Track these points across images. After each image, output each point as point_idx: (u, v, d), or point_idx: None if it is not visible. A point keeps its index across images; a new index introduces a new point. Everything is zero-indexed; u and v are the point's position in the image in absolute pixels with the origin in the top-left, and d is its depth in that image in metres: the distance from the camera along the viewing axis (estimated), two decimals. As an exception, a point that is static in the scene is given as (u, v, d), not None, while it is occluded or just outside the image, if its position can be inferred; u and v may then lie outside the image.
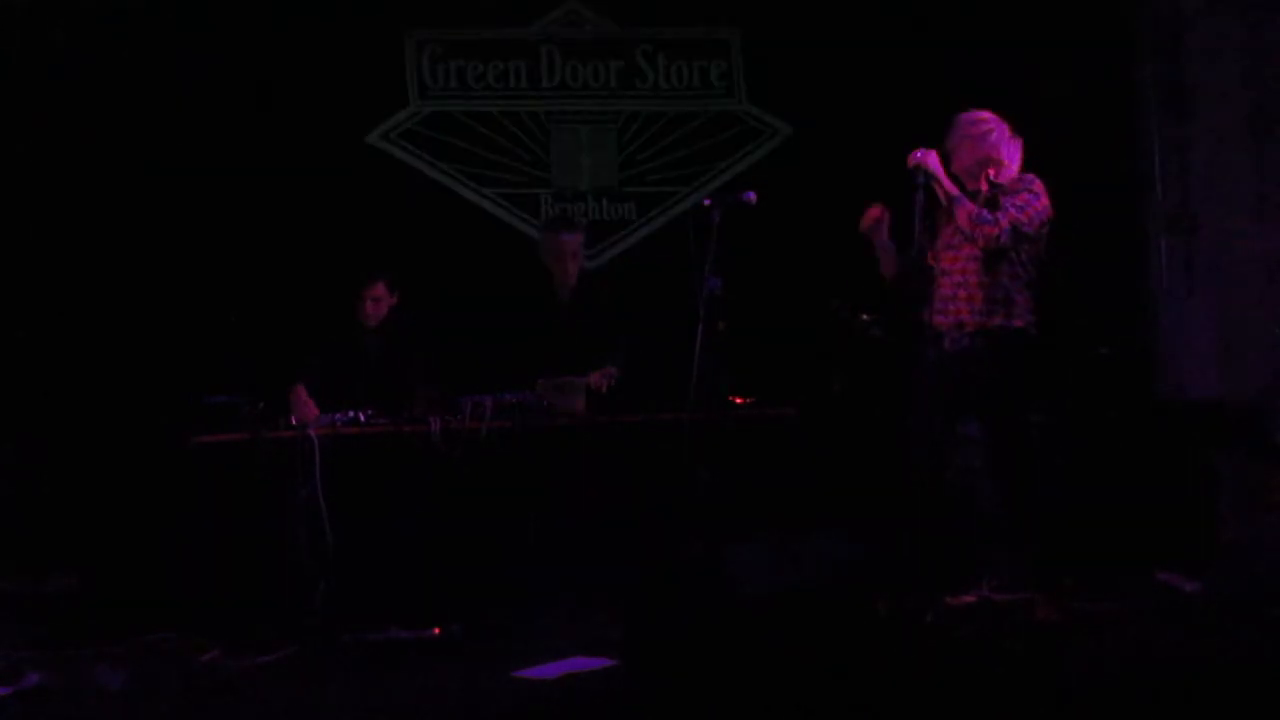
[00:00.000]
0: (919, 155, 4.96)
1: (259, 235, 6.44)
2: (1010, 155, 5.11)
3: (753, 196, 5.08)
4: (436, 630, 5.22)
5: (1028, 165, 6.26)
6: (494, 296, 6.41)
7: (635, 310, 6.09)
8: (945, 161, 5.10)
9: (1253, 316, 6.51)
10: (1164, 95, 6.80)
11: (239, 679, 4.68)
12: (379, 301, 5.90)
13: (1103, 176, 6.92)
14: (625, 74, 6.99)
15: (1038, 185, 5.11)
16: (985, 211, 4.99)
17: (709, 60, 7.04)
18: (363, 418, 5.31)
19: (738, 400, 5.40)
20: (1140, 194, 6.92)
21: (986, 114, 5.14)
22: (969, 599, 5.51)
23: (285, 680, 4.71)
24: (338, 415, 5.31)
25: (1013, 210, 5.01)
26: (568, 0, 6.98)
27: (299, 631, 5.07)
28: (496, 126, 6.88)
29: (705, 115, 7.02)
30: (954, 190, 4.96)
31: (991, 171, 5.02)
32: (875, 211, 5.12)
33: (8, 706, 4.43)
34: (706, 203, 5.10)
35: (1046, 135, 6.64)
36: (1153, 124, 6.84)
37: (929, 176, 4.94)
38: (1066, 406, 6.18)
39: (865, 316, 5.37)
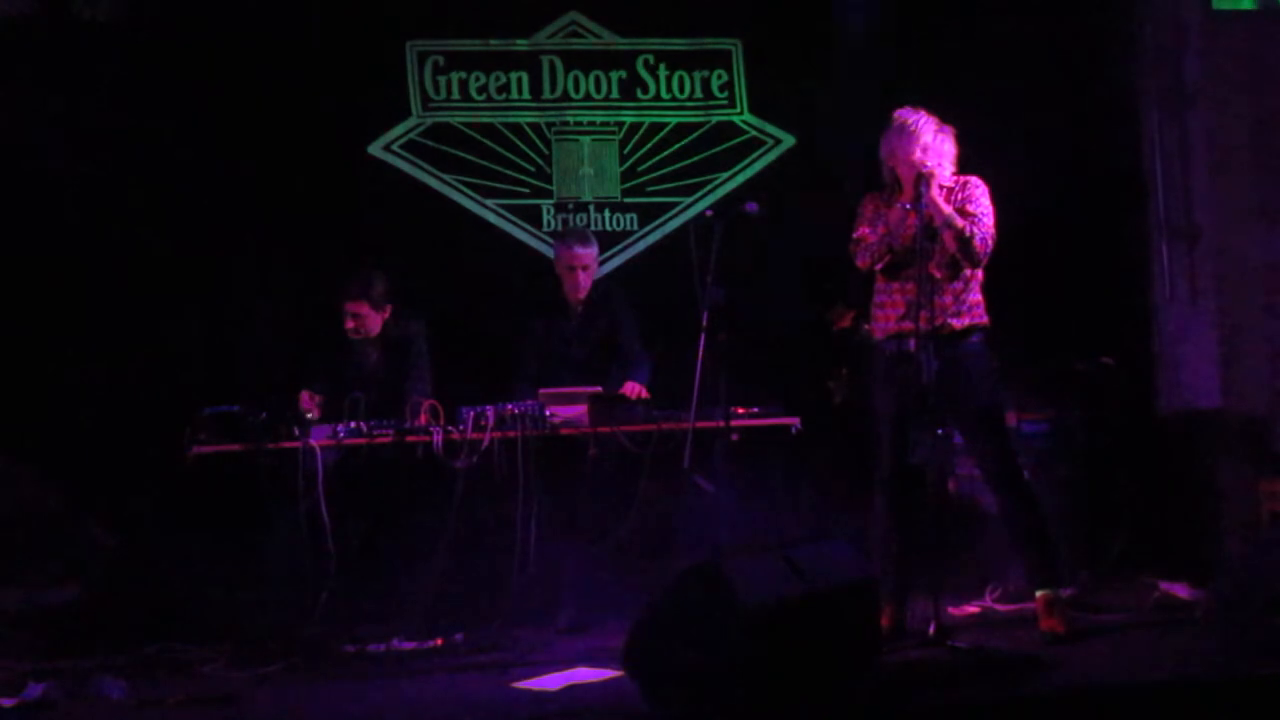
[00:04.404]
0: (929, 165, 4.97)
1: (262, 246, 6.44)
2: (940, 150, 5.08)
3: (754, 207, 5.09)
4: (438, 641, 5.22)
5: (1030, 171, 6.31)
6: (500, 307, 6.42)
7: (644, 322, 6.11)
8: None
9: (1254, 325, 6.51)
10: (1165, 102, 6.81)
11: (240, 689, 4.68)
12: (360, 318, 5.83)
13: (1104, 184, 6.93)
14: (627, 85, 7.00)
15: (984, 188, 5.10)
16: (970, 226, 4.97)
17: (710, 71, 7.06)
18: (365, 428, 5.31)
19: (739, 410, 5.39)
20: (1141, 202, 6.92)
21: (914, 111, 5.13)
22: (972, 609, 5.52)
23: (286, 690, 4.71)
24: (340, 426, 5.31)
25: (984, 222, 5.01)
26: (569, 11, 6.99)
27: (300, 642, 5.07)
28: (498, 137, 6.89)
29: (707, 126, 7.04)
30: (948, 209, 4.97)
31: (927, 170, 4.98)
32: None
33: (11, 718, 4.43)
34: (708, 213, 5.10)
35: (1048, 143, 6.72)
36: (1154, 131, 6.85)
37: (928, 187, 4.94)
38: (1068, 416, 6.18)
39: (867, 326, 5.37)
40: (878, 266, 5.10)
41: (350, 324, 5.85)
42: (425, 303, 6.14)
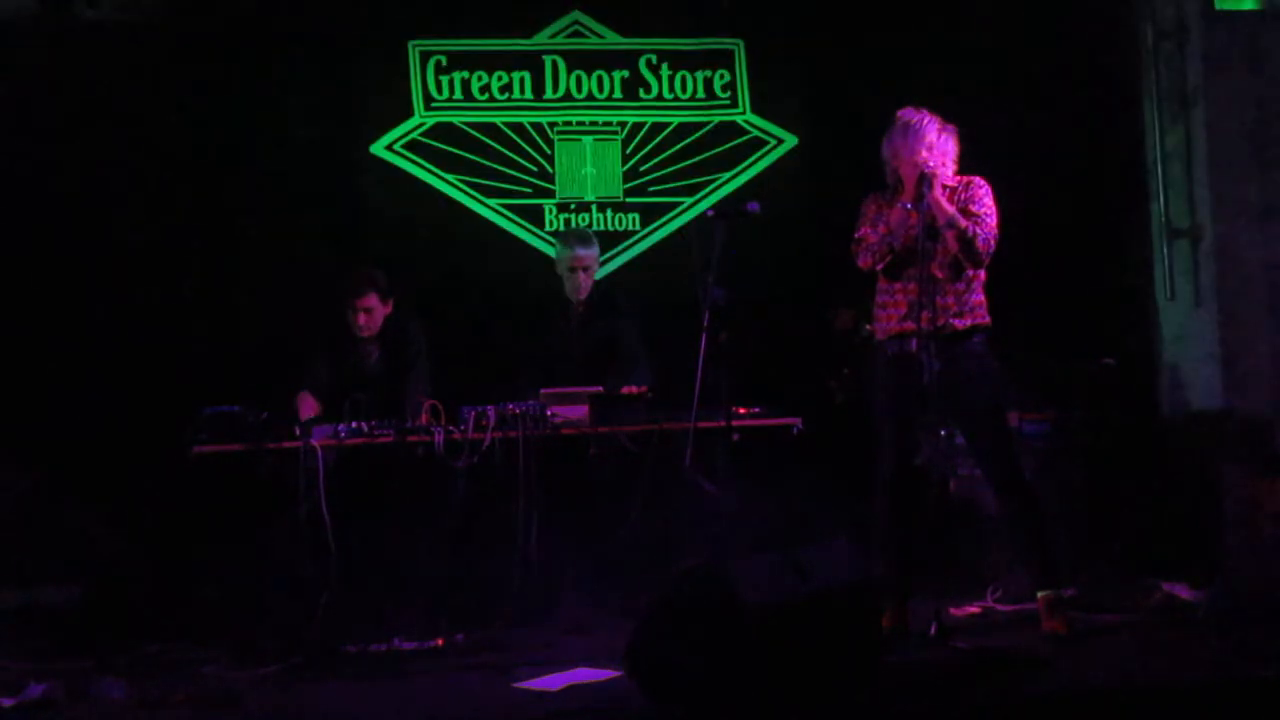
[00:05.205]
0: (931, 165, 4.95)
1: (264, 245, 6.44)
2: (942, 150, 5.06)
3: (756, 207, 5.08)
4: (439, 641, 5.21)
5: (1031, 172, 6.31)
6: (502, 307, 6.42)
7: (646, 322, 6.11)
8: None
9: (1255, 325, 6.51)
10: (1166, 102, 6.80)
11: (240, 689, 4.67)
12: (371, 312, 5.87)
13: (1105, 184, 6.93)
14: (629, 84, 7.00)
15: (988, 188, 5.08)
16: (973, 226, 4.96)
17: (713, 70, 7.06)
18: (366, 428, 5.31)
19: (741, 410, 5.39)
20: (1142, 202, 6.92)
21: (916, 111, 5.11)
22: (974, 609, 5.52)
23: (287, 691, 4.70)
24: (341, 426, 5.30)
25: (987, 222, 4.99)
26: (572, 11, 6.99)
27: (301, 642, 5.06)
28: (501, 137, 6.89)
29: (709, 125, 7.03)
30: (951, 209, 4.95)
31: (930, 170, 4.96)
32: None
33: (11, 718, 4.43)
34: (710, 213, 5.10)
35: (1050, 143, 6.71)
36: (1155, 131, 6.84)
37: (930, 187, 4.93)
38: (1070, 416, 6.17)
39: (869, 326, 5.36)
40: (879, 267, 5.09)
41: (361, 319, 5.85)
42: (426, 303, 6.14)
